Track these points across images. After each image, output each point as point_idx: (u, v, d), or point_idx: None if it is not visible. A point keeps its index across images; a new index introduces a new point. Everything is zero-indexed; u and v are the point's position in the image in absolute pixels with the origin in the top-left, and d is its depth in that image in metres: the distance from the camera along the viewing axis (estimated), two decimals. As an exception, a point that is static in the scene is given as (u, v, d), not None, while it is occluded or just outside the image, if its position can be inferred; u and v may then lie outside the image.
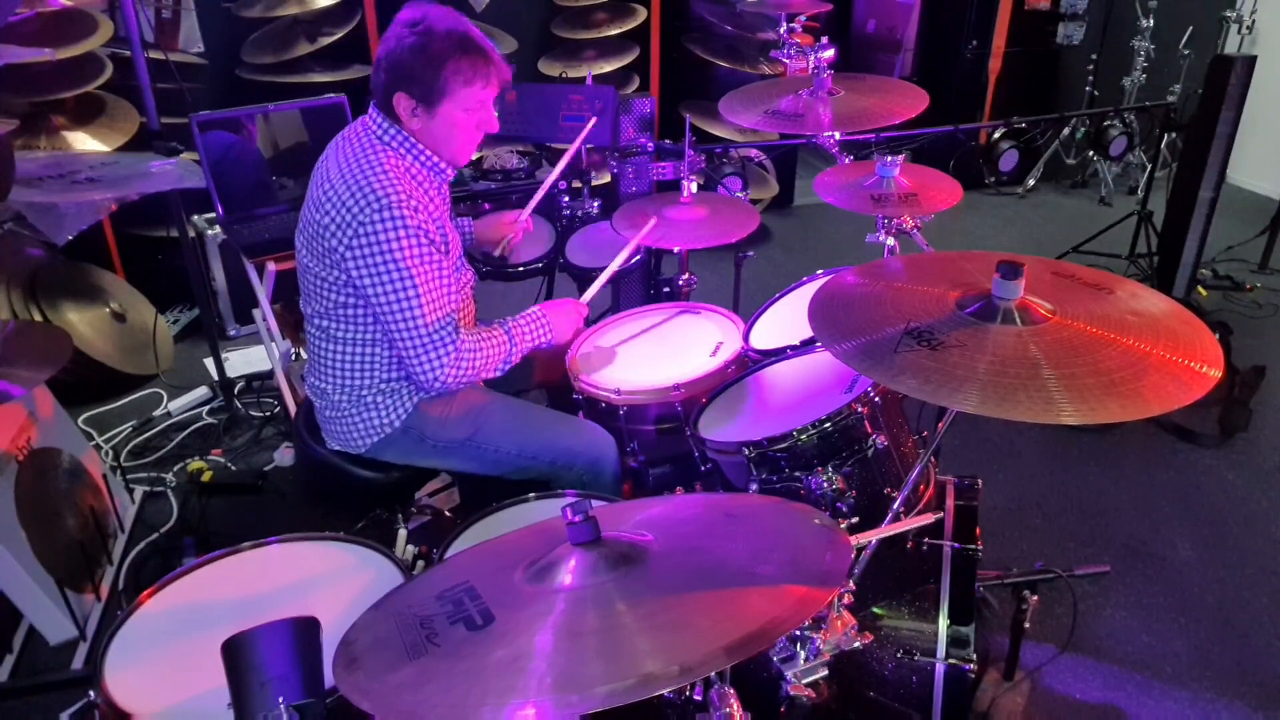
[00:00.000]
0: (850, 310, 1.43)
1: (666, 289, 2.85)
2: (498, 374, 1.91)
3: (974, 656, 1.59)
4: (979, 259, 1.54)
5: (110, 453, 2.99)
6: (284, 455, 2.94)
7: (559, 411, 2.11)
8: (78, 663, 2.17)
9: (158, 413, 3.19)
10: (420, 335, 1.76)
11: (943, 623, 1.61)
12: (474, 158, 3.58)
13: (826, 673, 1.28)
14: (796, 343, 2.05)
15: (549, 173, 2.48)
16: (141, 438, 3.07)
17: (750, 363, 2.11)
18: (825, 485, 1.65)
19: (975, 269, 1.50)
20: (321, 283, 1.83)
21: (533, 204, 2.45)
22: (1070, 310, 1.34)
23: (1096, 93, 5.18)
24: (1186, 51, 4.94)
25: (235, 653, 1.03)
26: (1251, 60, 3.42)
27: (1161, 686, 2.11)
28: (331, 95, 2.98)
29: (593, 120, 2.68)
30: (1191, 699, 2.08)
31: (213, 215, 3.45)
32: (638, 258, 2.80)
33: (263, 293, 2.74)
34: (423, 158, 1.84)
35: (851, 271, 1.57)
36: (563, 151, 2.60)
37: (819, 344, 2.00)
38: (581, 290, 2.87)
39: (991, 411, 1.16)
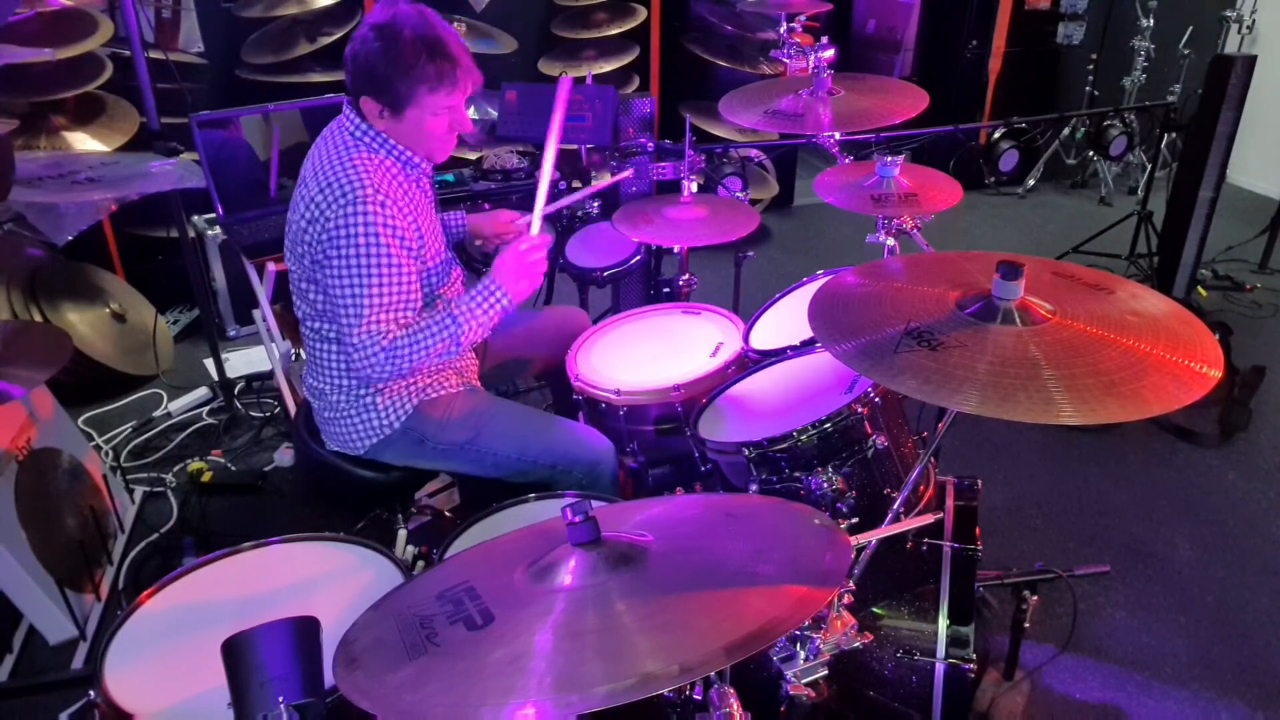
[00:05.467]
0: (850, 310, 1.43)
1: (666, 289, 2.85)
2: (452, 355, 1.85)
3: (974, 656, 1.59)
4: (979, 259, 1.54)
5: (110, 453, 2.99)
6: (284, 455, 2.94)
7: (559, 416, 2.11)
8: (78, 663, 2.17)
9: (158, 413, 3.19)
10: (356, 336, 1.74)
11: (942, 623, 1.62)
12: (474, 158, 3.60)
13: (826, 672, 1.28)
14: (796, 343, 2.05)
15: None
16: (141, 438, 3.07)
17: (750, 363, 2.11)
18: (825, 486, 1.64)
19: (975, 269, 1.50)
20: (309, 284, 1.84)
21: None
22: (1070, 310, 1.34)
23: (1096, 93, 5.17)
24: (1186, 51, 4.94)
25: (235, 653, 1.03)
26: (1251, 60, 3.42)
27: (1161, 686, 2.11)
28: (331, 95, 2.99)
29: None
30: (1191, 699, 2.08)
31: (213, 215, 3.44)
32: (638, 258, 2.80)
33: (263, 293, 2.74)
34: (396, 152, 1.83)
35: (851, 271, 1.57)
36: (563, 152, 2.59)
37: (819, 344, 2.00)
38: (582, 299, 2.88)
39: (991, 412, 1.16)
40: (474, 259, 2.59)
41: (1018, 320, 1.32)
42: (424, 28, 1.72)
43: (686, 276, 2.72)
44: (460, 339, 1.81)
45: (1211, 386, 1.19)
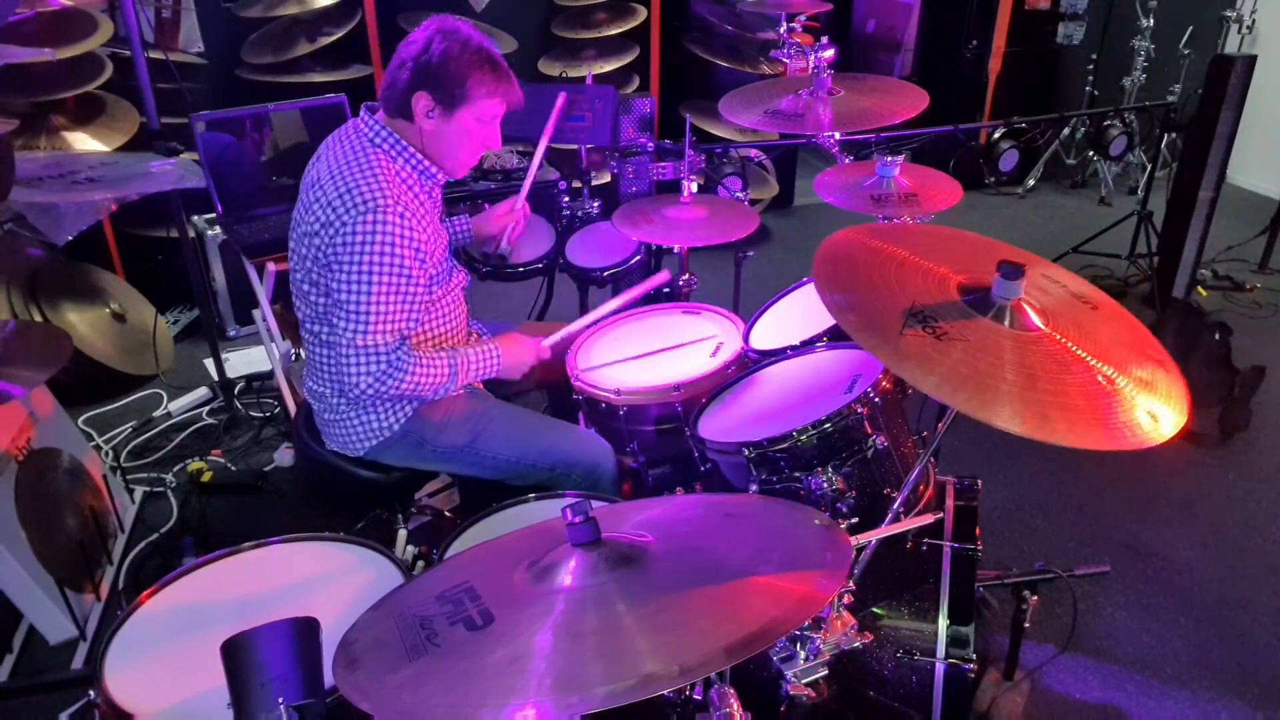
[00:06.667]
0: (855, 269, 1.43)
1: (666, 289, 2.85)
2: (430, 396, 1.90)
3: (974, 656, 1.59)
4: (989, 246, 1.55)
5: (110, 453, 2.99)
6: (284, 456, 2.94)
7: (558, 419, 2.11)
8: (78, 663, 2.17)
9: (158, 413, 3.19)
10: (355, 345, 1.74)
11: (942, 623, 1.61)
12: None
13: (826, 672, 1.28)
14: (796, 343, 2.05)
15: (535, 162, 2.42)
16: (141, 438, 3.07)
17: (750, 363, 2.11)
18: (825, 486, 1.64)
19: (981, 256, 1.50)
20: (312, 287, 1.83)
21: (525, 189, 2.33)
22: (1061, 325, 1.35)
23: (1096, 93, 5.18)
24: (1186, 51, 4.94)
25: (235, 653, 1.03)
26: (1251, 60, 3.42)
27: (1161, 686, 2.11)
28: (331, 95, 2.99)
29: (561, 99, 2.56)
30: (1191, 699, 2.08)
31: (213, 215, 3.45)
32: (638, 258, 2.80)
33: (263, 293, 2.74)
34: (414, 161, 1.83)
35: (866, 229, 1.57)
36: (563, 152, 2.59)
37: (819, 342, 2.01)
38: (582, 299, 2.88)
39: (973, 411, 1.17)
40: (475, 260, 2.59)
41: (1007, 321, 1.32)
42: (485, 43, 1.83)
43: (686, 276, 2.72)
44: (449, 387, 1.89)
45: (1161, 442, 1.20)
